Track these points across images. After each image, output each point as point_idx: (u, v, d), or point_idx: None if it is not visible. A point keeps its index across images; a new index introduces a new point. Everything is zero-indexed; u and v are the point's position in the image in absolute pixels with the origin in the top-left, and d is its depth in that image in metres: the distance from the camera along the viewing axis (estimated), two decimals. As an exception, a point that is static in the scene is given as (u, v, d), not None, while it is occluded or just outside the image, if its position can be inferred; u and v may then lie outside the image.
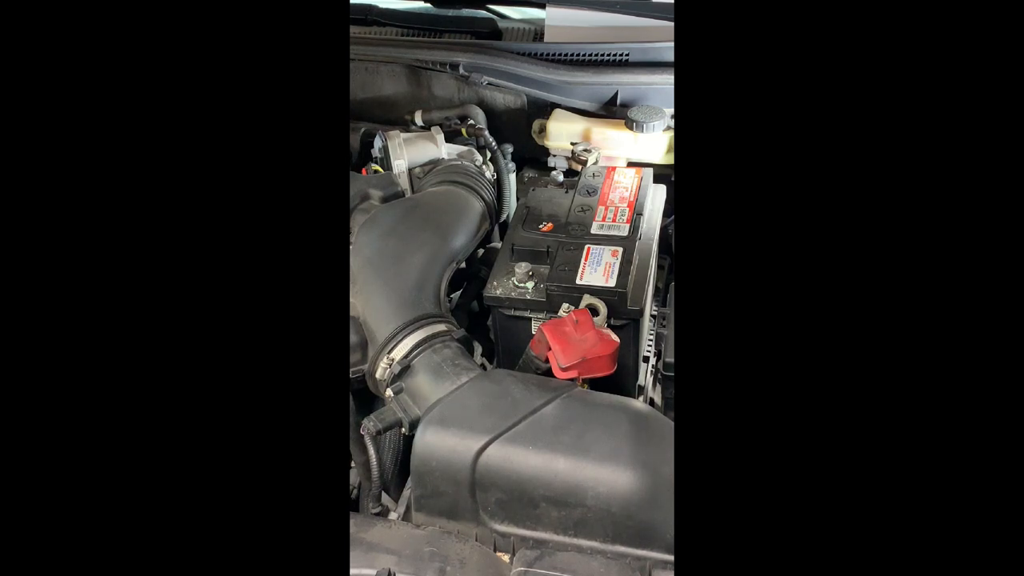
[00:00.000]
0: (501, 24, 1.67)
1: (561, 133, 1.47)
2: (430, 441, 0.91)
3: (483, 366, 1.18)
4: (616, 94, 1.48)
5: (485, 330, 1.30)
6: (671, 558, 0.84)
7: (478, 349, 1.26)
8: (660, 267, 1.43)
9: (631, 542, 0.85)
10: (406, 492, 1.01)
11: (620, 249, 1.12)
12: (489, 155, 1.46)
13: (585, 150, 1.41)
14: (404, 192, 1.36)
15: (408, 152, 1.43)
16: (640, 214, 1.20)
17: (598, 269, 1.09)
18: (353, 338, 1.09)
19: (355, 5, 1.66)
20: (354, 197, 1.30)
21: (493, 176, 1.44)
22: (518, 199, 1.51)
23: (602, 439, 0.88)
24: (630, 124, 1.41)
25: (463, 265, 1.28)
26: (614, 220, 1.18)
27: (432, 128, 1.48)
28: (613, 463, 0.86)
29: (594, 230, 1.16)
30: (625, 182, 1.26)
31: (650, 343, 1.27)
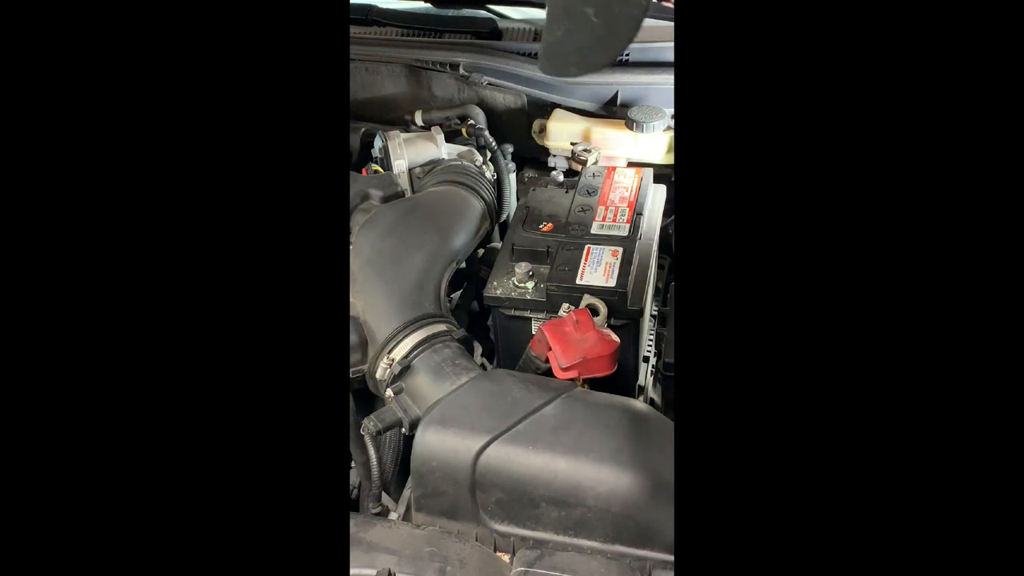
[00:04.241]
0: (501, 24, 1.67)
1: (561, 133, 1.47)
2: (430, 441, 0.91)
3: (483, 366, 1.18)
4: (616, 94, 1.48)
5: (485, 330, 1.30)
6: (671, 558, 0.83)
7: (478, 349, 1.26)
8: (660, 267, 1.43)
9: (631, 542, 0.85)
10: (406, 492, 1.01)
11: (620, 249, 1.12)
12: (489, 155, 1.46)
13: (585, 150, 1.41)
14: (404, 192, 1.36)
15: (408, 152, 1.43)
16: (640, 214, 1.20)
17: (598, 269, 1.09)
18: (353, 338, 1.09)
19: (355, 5, 1.66)
20: (354, 197, 1.29)
21: (493, 176, 1.44)
22: (518, 199, 1.51)
23: (602, 439, 0.88)
24: (630, 124, 1.41)
25: (463, 265, 1.28)
26: (614, 220, 1.18)
27: (432, 128, 1.48)
28: (613, 463, 0.86)
29: (594, 230, 1.16)
30: (625, 182, 1.26)
31: (650, 343, 1.27)
